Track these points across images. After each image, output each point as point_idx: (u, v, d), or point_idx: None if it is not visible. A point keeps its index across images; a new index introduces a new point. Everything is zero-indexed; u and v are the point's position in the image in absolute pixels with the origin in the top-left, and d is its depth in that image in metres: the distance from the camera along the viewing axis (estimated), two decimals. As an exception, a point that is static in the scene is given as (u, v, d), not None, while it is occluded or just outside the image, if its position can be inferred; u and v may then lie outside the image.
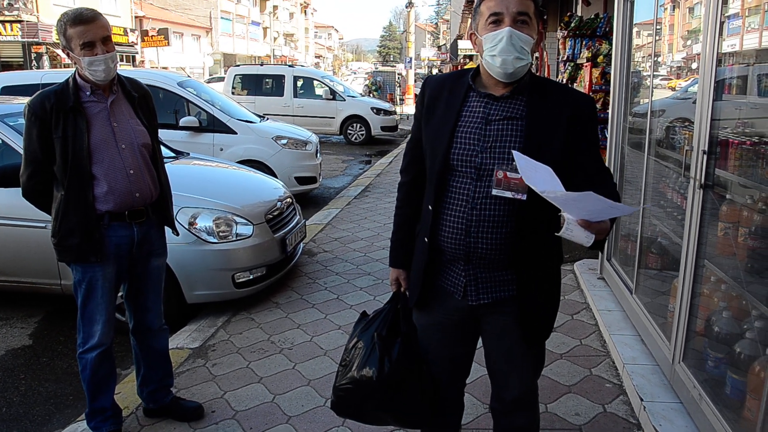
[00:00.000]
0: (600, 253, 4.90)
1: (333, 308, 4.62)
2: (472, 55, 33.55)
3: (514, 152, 1.80)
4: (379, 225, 7.20)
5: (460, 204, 2.00)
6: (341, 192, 9.57)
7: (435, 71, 51.00)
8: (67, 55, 2.64)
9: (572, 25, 7.47)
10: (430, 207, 2.07)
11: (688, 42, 4.49)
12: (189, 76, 10.01)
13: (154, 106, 2.99)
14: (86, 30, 2.56)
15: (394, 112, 17.54)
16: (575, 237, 1.67)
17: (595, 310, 4.36)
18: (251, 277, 4.59)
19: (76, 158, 2.61)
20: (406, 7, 28.90)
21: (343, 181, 11.11)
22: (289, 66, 17.51)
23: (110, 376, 2.91)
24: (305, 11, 77.69)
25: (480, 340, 2.24)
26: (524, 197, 1.90)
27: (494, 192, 1.92)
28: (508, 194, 1.91)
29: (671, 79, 4.84)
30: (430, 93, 2.14)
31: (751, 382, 2.58)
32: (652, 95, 4.38)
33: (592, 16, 7.45)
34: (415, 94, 30.69)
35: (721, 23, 2.86)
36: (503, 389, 2.24)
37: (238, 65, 17.51)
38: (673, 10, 4.85)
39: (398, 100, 24.75)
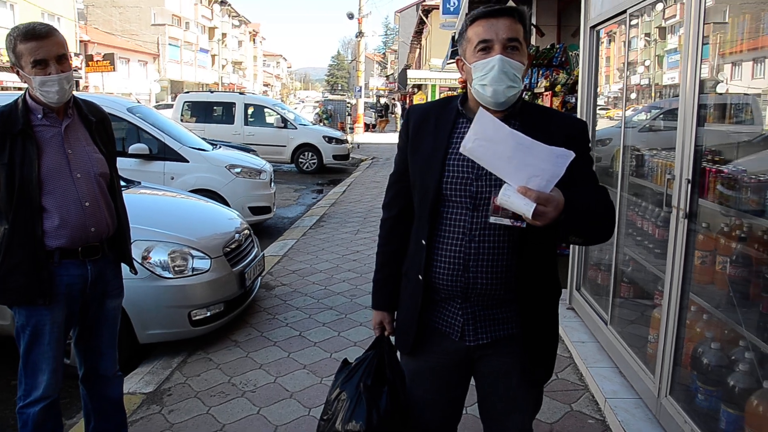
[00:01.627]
0: (569, 283, 4.82)
1: (296, 346, 4.38)
2: (421, 85, 33.96)
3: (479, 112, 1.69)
4: (338, 256, 7.00)
5: (456, 237, 1.86)
6: (296, 222, 9.33)
7: (383, 101, 51.37)
8: (17, 73, 2.39)
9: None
10: (423, 242, 1.91)
11: (624, 74, 4.55)
12: (138, 102, 9.66)
13: (112, 131, 2.75)
14: (39, 46, 2.32)
15: (346, 141, 17.42)
16: (514, 205, 1.57)
17: (567, 342, 4.26)
18: (208, 314, 4.31)
19: (23, 188, 2.34)
20: (356, 36, 29.04)
21: (296, 210, 10.87)
22: (240, 93, 17.25)
23: None
24: (254, 39, 77.47)
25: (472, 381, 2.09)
26: (524, 225, 1.76)
27: (492, 220, 1.77)
28: (507, 221, 1.77)
29: (608, 109, 4.92)
30: (414, 122, 2.01)
31: (750, 417, 2.50)
32: (595, 125, 4.48)
33: (548, 47, 7.54)
34: (365, 123, 30.92)
35: (702, 47, 2.81)
36: (501, 430, 2.08)
37: (188, 92, 17.14)
38: (609, 43, 4.93)
39: (348, 129, 24.70)
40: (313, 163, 15.81)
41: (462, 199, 1.85)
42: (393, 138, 28.21)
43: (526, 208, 1.55)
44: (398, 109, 39.45)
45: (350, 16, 27.84)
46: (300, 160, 15.79)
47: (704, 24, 2.78)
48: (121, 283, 2.76)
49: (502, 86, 1.76)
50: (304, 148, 15.70)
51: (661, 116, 4.13)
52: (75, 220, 2.45)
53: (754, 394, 2.51)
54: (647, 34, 4.35)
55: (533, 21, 8.76)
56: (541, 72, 7.35)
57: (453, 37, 14.58)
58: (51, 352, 2.48)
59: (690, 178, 2.82)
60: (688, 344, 3.01)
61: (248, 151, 10.40)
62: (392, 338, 2.18)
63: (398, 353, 2.15)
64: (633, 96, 4.64)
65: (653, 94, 4.72)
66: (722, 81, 3.95)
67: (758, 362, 2.58)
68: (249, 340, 4.50)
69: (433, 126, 1.94)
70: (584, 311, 4.45)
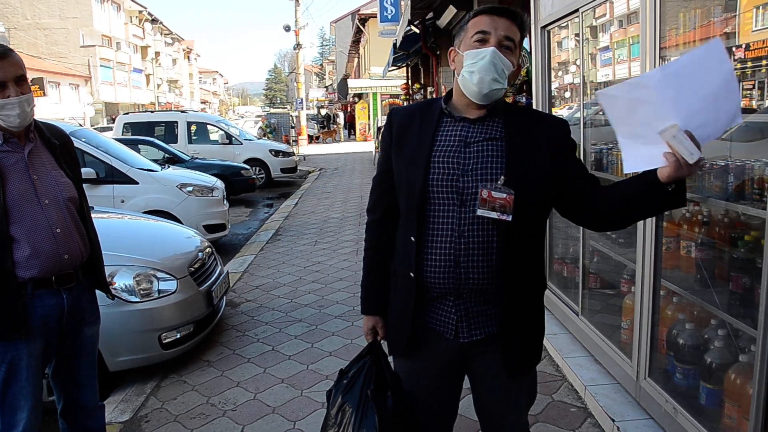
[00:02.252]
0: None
1: (271, 361, 4.32)
2: (362, 94, 34.07)
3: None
4: (300, 269, 6.94)
5: (446, 233, 1.88)
6: (251, 237, 9.21)
7: (324, 111, 51.30)
8: None
9: (474, 57, 7.66)
10: (412, 239, 1.92)
11: (559, 73, 4.71)
12: (80, 126, 9.38)
13: (76, 154, 2.66)
14: None
15: (293, 153, 17.31)
16: (686, 145, 1.47)
17: (539, 336, 4.33)
18: (178, 335, 4.21)
19: None
20: (294, 48, 28.90)
21: (250, 226, 10.74)
22: (182, 112, 16.93)
23: None
24: (188, 57, 76.21)
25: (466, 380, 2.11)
26: (509, 218, 1.81)
27: (479, 212, 1.82)
28: (494, 215, 1.82)
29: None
30: (398, 123, 2.03)
31: (729, 390, 2.60)
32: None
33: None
34: (309, 135, 30.80)
35: (661, 48, 2.92)
36: (497, 429, 2.11)
37: (127, 113, 16.73)
38: None
39: (292, 142, 24.58)
40: (262, 178, 15.61)
41: (449, 195, 1.87)
42: (338, 148, 28.26)
43: (695, 150, 1.48)
44: (340, 120, 39.49)
45: (287, 29, 27.68)
46: (248, 175, 15.58)
47: (660, 19, 2.87)
48: (97, 309, 2.67)
49: (489, 77, 1.80)
50: (251, 162, 15.48)
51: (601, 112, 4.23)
52: (47, 249, 2.35)
53: (731, 369, 2.62)
54: (576, 34, 4.48)
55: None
56: (517, 74, 7.48)
57: (394, 45, 14.70)
58: (29, 388, 2.37)
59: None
60: (661, 327, 3.11)
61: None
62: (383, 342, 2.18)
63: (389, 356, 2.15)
64: (567, 95, 4.81)
65: (589, 92, 4.90)
66: None
67: (733, 338, 2.69)
68: (222, 358, 4.41)
69: (418, 126, 1.97)
70: (553, 304, 4.54)
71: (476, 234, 1.84)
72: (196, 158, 12.66)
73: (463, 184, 1.85)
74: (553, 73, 4.78)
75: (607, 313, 3.97)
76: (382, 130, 2.09)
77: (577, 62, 4.48)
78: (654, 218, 2.97)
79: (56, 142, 2.52)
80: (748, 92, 3.20)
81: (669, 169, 1.56)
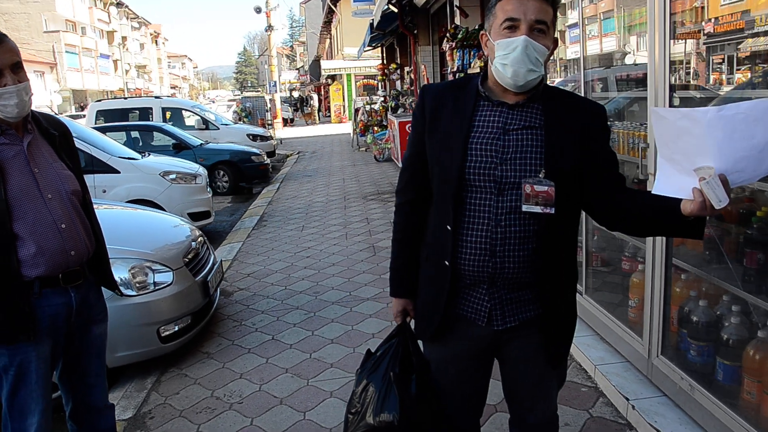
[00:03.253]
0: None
1: (272, 350, 4.25)
2: (335, 75, 33.75)
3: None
4: (290, 254, 6.85)
5: (482, 222, 1.83)
6: (236, 224, 9.07)
7: (296, 94, 50.76)
8: None
9: (459, 36, 7.57)
10: (448, 227, 1.86)
11: None
12: (56, 114, 9.11)
13: (75, 144, 2.54)
14: None
15: (271, 137, 17.09)
16: (716, 192, 1.46)
17: (542, 316, 4.32)
18: (177, 328, 4.12)
19: None
20: (266, 30, 28.42)
21: (233, 212, 10.58)
22: (156, 97, 16.58)
23: None
24: (156, 41, 74.68)
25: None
26: (553, 210, 1.77)
27: (524, 208, 1.78)
28: (538, 209, 1.78)
29: None
30: (431, 102, 1.95)
31: (748, 366, 2.60)
32: None
33: (477, 27, 7.61)
34: (284, 118, 30.44)
35: (672, 25, 2.87)
36: (529, 413, 2.10)
37: (99, 100, 16.27)
38: None
39: (267, 125, 24.26)
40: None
41: (486, 184, 1.81)
42: (314, 131, 28.03)
43: (724, 198, 1.45)
44: (314, 102, 39.05)
45: (257, 11, 27.19)
46: (226, 160, 15.33)
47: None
48: (104, 306, 2.56)
49: (523, 69, 1.73)
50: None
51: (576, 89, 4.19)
52: (53, 246, 2.24)
53: (750, 344, 2.62)
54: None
55: (456, 2, 8.82)
56: (472, 53, 7.42)
57: (371, 24, 14.51)
58: (39, 391, 2.27)
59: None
60: (672, 305, 3.10)
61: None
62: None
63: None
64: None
65: (558, 69, 4.88)
66: (629, 52, 4.13)
67: (749, 314, 2.69)
68: (221, 350, 4.32)
69: (452, 108, 1.89)
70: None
71: (514, 224, 1.80)
72: (207, 143, 12.36)
73: (501, 173, 1.80)
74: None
75: (610, 292, 3.96)
76: (414, 110, 2.01)
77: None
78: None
79: (55, 133, 2.39)
80: (718, 66, 3.22)
81: (693, 205, 1.53)
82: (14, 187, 2.18)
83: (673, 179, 1.53)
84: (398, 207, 2.10)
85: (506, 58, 1.73)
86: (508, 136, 1.81)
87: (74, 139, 6.88)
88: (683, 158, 1.52)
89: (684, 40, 3.19)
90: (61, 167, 2.35)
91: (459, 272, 1.88)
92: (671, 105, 2.89)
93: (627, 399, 3.08)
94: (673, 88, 2.92)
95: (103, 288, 2.63)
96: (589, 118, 1.87)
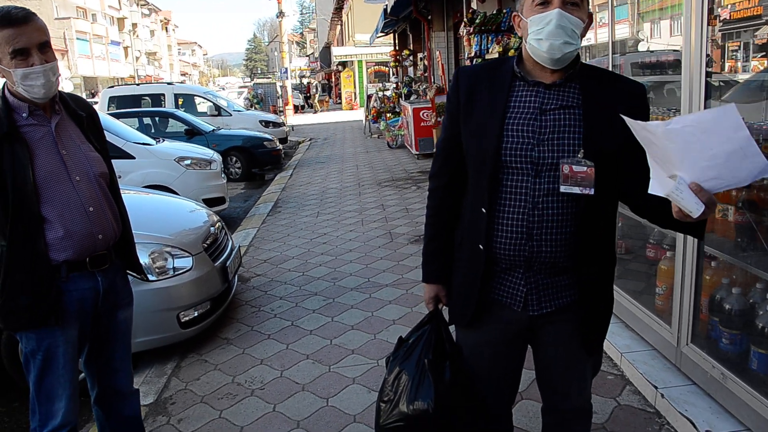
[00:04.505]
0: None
1: (292, 336, 4.22)
2: (346, 62, 33.60)
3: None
4: (306, 240, 6.82)
5: (519, 204, 1.78)
6: (250, 210, 9.05)
7: (305, 81, 50.58)
8: None
9: (477, 21, 7.47)
10: (483, 210, 1.82)
11: None
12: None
13: (102, 126, 2.50)
14: (18, 33, 2.03)
15: (283, 124, 17.04)
16: (684, 201, 1.41)
17: (565, 303, 4.27)
18: (196, 314, 4.10)
19: (19, 198, 2.07)
20: (277, 16, 28.27)
21: (246, 198, 10.57)
22: (169, 84, 16.56)
23: None
24: (166, 28, 74.64)
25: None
26: (592, 191, 1.71)
27: (563, 189, 1.73)
28: (577, 190, 1.72)
29: None
30: (466, 84, 1.90)
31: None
32: None
33: (495, 12, 7.51)
34: (295, 105, 30.35)
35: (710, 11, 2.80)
36: (563, 400, 2.06)
37: (112, 86, 16.26)
38: None
39: (279, 112, 24.18)
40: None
41: (523, 166, 1.76)
42: (324, 118, 27.95)
43: (695, 207, 1.40)
44: (315, 90, 38.84)
45: (269, -4, 27.08)
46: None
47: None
48: (130, 290, 2.53)
49: (559, 41, 1.67)
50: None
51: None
52: (80, 229, 2.20)
53: (787, 333, 2.56)
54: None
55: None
56: (490, 38, 7.33)
57: (385, 10, 14.39)
58: (67, 375, 2.25)
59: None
60: (705, 291, 3.04)
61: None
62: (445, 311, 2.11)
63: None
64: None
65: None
66: (642, 39, 4.06)
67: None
68: (240, 335, 4.30)
69: (488, 89, 1.84)
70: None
71: (552, 206, 1.75)
72: (219, 129, 12.32)
73: (538, 154, 1.75)
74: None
75: (635, 279, 3.90)
76: (448, 92, 1.96)
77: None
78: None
79: (82, 114, 2.35)
80: (734, 54, 3.15)
81: (677, 211, 1.47)
82: (42, 169, 2.14)
83: (663, 179, 1.48)
84: (432, 191, 2.06)
85: (541, 33, 1.68)
86: (545, 116, 1.76)
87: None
88: (661, 163, 1.47)
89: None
90: (89, 149, 2.32)
91: (494, 256, 1.84)
92: (707, 90, 2.81)
93: (656, 387, 3.03)
94: (709, 74, 2.84)
95: (140, 276, 2.61)
96: (632, 98, 1.80)
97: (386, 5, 13.81)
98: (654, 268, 3.53)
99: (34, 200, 2.11)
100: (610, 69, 3.90)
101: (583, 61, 1.86)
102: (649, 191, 1.50)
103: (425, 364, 1.97)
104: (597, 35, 4.41)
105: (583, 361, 1.97)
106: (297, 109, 31.86)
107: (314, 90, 36.23)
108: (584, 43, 4.35)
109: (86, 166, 2.26)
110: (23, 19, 2.06)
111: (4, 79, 2.16)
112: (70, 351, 2.26)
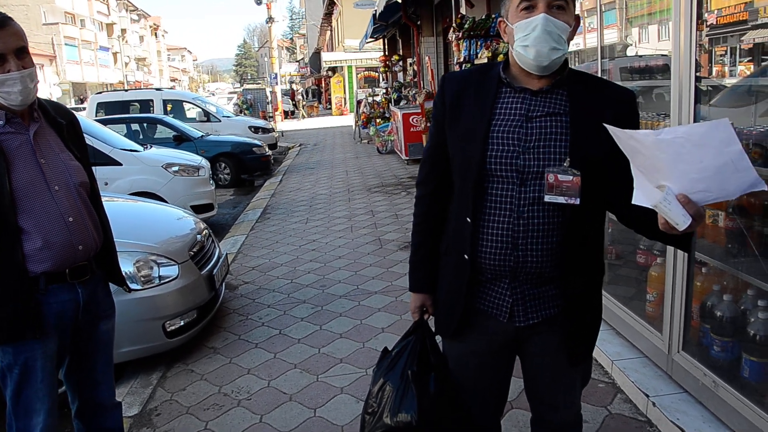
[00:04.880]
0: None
1: (279, 345, 4.17)
2: (336, 67, 33.59)
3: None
4: (295, 247, 6.76)
5: (504, 214, 1.74)
6: (239, 217, 8.99)
7: (296, 87, 50.50)
8: None
9: (466, 26, 7.47)
10: (468, 219, 1.78)
11: None
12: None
13: (83, 134, 2.45)
14: None
15: (272, 129, 16.99)
16: (671, 213, 1.38)
17: (554, 310, 4.24)
18: (182, 323, 4.04)
19: None
20: (267, 22, 28.22)
21: (235, 204, 10.50)
22: (157, 89, 16.50)
23: None
24: (155, 34, 74.43)
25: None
26: (578, 201, 1.68)
27: (547, 198, 1.69)
28: (562, 199, 1.69)
29: None
30: (451, 91, 1.87)
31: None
32: None
33: (484, 17, 7.51)
34: (284, 111, 30.28)
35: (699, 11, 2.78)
36: (550, 412, 2.02)
37: (100, 92, 16.17)
38: None
39: (268, 118, 24.11)
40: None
41: (508, 174, 1.73)
42: (314, 123, 27.91)
43: (682, 219, 1.37)
44: (299, 96, 38.71)
45: (258, 2, 27.00)
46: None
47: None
48: (112, 301, 2.48)
49: (546, 47, 1.64)
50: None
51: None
52: (59, 240, 2.15)
53: (779, 340, 2.54)
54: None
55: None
56: (479, 43, 7.32)
57: (374, 15, 14.39)
58: (45, 389, 2.20)
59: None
60: (693, 299, 3.02)
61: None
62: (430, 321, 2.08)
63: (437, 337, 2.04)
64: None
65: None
66: (630, 44, 4.06)
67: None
68: (227, 345, 4.25)
69: (474, 95, 1.81)
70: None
71: (538, 215, 1.72)
72: (208, 135, 12.25)
73: (524, 162, 1.71)
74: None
75: (626, 285, 3.88)
76: (434, 99, 1.93)
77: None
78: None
79: (62, 122, 2.31)
80: (721, 58, 3.16)
81: (663, 222, 1.43)
82: (20, 178, 2.09)
83: (647, 189, 1.44)
84: (418, 199, 2.03)
85: (527, 39, 1.65)
86: (531, 123, 1.73)
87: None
88: (646, 172, 1.44)
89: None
90: (69, 158, 2.27)
91: (479, 266, 1.81)
92: (696, 95, 2.80)
93: (647, 395, 3.00)
94: (698, 78, 2.83)
95: (122, 288, 2.56)
96: (621, 105, 1.77)
97: (375, 11, 13.80)
98: (645, 274, 3.51)
99: (10, 211, 2.06)
100: (599, 74, 3.89)
101: (572, 67, 1.84)
102: (633, 202, 1.46)
103: (409, 375, 1.93)
104: (586, 40, 4.41)
105: (571, 373, 1.93)
106: (287, 114, 31.80)
107: (300, 96, 36.06)
108: (573, 47, 4.39)
109: (66, 175, 2.22)
110: (0, 24, 2.01)
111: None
112: (49, 365, 2.20)
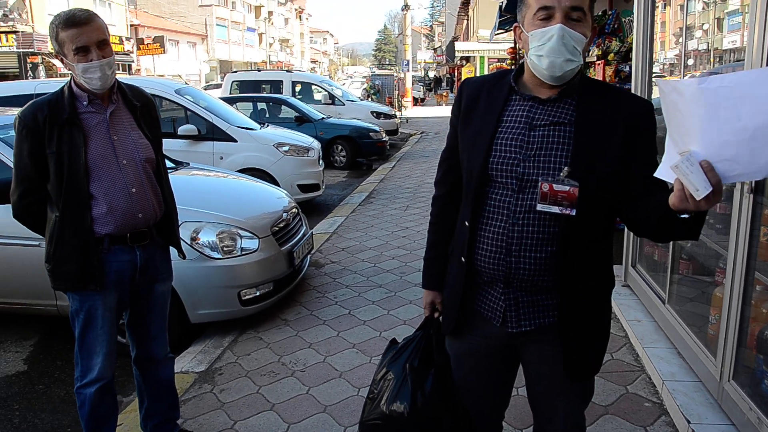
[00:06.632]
0: (624, 259, 4.67)
1: (345, 324, 4.38)
2: (469, 57, 33.40)
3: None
4: (387, 233, 6.96)
5: (500, 219, 1.77)
6: (345, 199, 9.33)
7: (432, 74, 50.77)
8: (61, 61, 2.41)
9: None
10: (466, 223, 1.84)
11: (680, 39, 4.35)
12: (187, 83, 9.79)
13: (158, 115, 2.76)
14: (80, 33, 2.31)
15: (394, 116, 17.30)
16: (691, 176, 1.27)
17: (623, 321, 4.13)
18: (258, 293, 4.35)
19: (72, 176, 2.37)
20: (402, 9, 28.66)
21: (346, 186, 10.88)
22: (287, 71, 17.31)
23: (111, 412, 2.66)
24: (300, 17, 77.55)
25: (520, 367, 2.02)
26: (573, 212, 1.66)
27: (539, 207, 1.69)
28: (555, 209, 1.68)
29: (664, 76, 4.69)
30: (467, 96, 1.91)
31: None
32: (651, 94, 4.30)
33: (600, 13, 7.23)
34: (414, 98, 30.61)
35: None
36: (547, 423, 2.00)
37: (235, 71, 17.26)
38: (665, 7, 4.71)
39: (397, 104, 24.48)
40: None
41: (508, 181, 1.75)
42: (442, 111, 27.92)
43: (703, 185, 1.26)
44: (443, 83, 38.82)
45: (396, -11, 27.43)
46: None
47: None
48: (169, 267, 2.78)
49: (560, 59, 1.64)
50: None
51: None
52: (122, 207, 2.47)
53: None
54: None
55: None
56: (593, 40, 7.08)
57: (500, 7, 14.18)
58: (105, 336, 2.53)
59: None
60: (753, 325, 2.85)
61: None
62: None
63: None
64: (690, 62, 4.42)
65: (712, 60, 4.50)
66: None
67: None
68: (299, 318, 4.52)
69: (485, 102, 1.85)
70: (640, 289, 4.30)
71: (532, 224, 1.73)
72: (328, 118, 12.81)
73: (523, 169, 1.72)
74: (674, 39, 4.45)
75: (695, 303, 3.70)
76: (452, 104, 1.99)
77: (704, 26, 4.16)
78: (751, 201, 2.69)
79: (137, 104, 2.61)
80: None
81: (674, 197, 1.37)
82: (94, 151, 2.42)
83: (671, 159, 1.34)
84: (435, 199, 2.10)
85: (541, 49, 1.65)
86: (535, 132, 1.73)
87: (198, 107, 7.36)
88: (678, 138, 1.33)
89: None
90: (139, 136, 2.57)
91: (475, 269, 1.85)
92: None
93: (688, 422, 2.88)
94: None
95: (189, 252, 2.86)
96: (634, 117, 1.72)
97: (502, 2, 13.59)
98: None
99: (84, 179, 2.38)
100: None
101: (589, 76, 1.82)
102: (655, 174, 1.42)
103: (408, 368, 2.01)
104: (743, 38, 4.13)
105: (569, 386, 1.90)
106: (416, 101, 32.09)
107: (422, 84, 36.25)
108: (729, 45, 4.15)
109: (134, 151, 2.52)
110: (85, 20, 2.34)
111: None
112: (109, 315, 2.53)
